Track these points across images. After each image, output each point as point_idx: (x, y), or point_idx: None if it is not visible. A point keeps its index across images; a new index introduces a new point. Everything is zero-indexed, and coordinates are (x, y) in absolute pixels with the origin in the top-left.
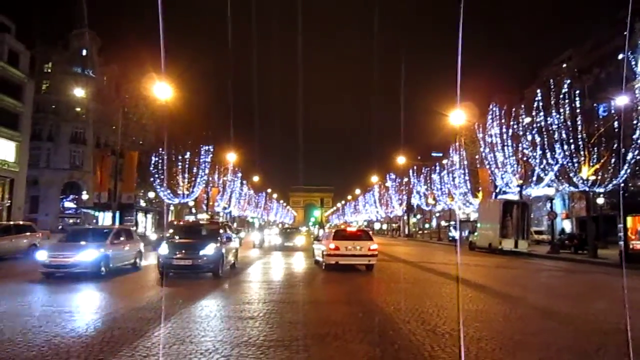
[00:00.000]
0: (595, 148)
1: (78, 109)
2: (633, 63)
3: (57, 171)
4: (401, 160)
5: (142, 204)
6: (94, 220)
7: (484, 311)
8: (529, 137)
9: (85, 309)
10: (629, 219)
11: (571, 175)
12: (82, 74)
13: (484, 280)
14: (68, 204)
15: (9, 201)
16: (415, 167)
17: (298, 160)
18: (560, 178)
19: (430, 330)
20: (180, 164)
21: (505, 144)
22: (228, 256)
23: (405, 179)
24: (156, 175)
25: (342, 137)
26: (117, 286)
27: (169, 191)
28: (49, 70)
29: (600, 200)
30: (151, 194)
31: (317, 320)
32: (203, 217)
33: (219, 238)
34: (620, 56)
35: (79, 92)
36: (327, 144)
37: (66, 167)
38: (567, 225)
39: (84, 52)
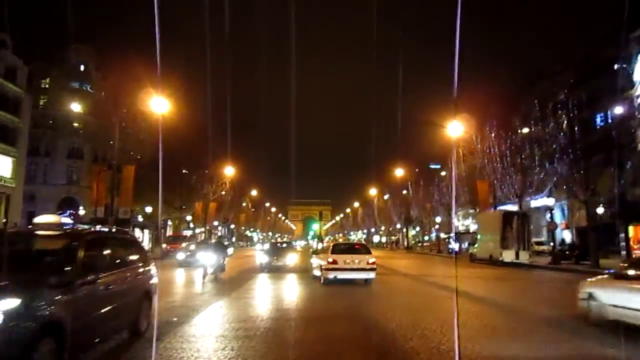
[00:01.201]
0: (594, 157)
1: (75, 124)
2: (629, 73)
3: (54, 186)
4: (399, 172)
5: (140, 218)
6: None
7: (488, 326)
8: (527, 148)
9: None
10: (631, 228)
11: (570, 184)
12: (79, 89)
13: (487, 294)
14: (64, 220)
15: (5, 218)
16: (413, 180)
17: (296, 173)
18: (561, 188)
19: (434, 347)
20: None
21: (504, 154)
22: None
23: (404, 191)
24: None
25: (340, 150)
26: None
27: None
28: (47, 86)
29: (600, 210)
30: (148, 209)
31: (316, 338)
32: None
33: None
34: (616, 66)
35: (76, 107)
36: (326, 157)
37: (63, 182)
38: (567, 236)
39: (82, 67)
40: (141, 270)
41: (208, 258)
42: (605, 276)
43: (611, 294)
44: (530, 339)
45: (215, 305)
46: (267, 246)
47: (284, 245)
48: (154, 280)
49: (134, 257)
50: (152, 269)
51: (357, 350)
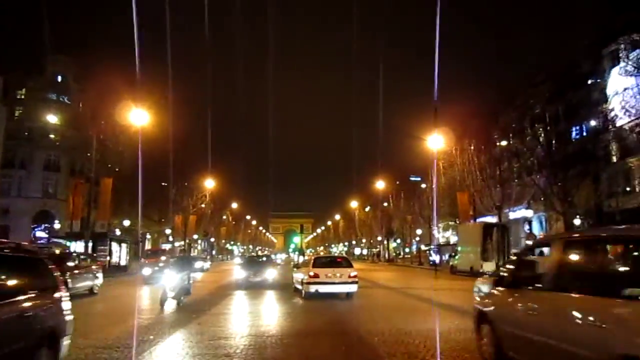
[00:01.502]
0: (571, 170)
1: (52, 136)
2: (603, 87)
3: (29, 200)
4: (380, 185)
5: (118, 232)
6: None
7: (473, 340)
8: (506, 160)
9: None
10: None
11: (548, 196)
12: (57, 101)
13: (469, 306)
14: (40, 234)
15: None
16: (394, 192)
17: (278, 186)
18: (539, 199)
19: None
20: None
21: (483, 167)
22: None
23: (385, 204)
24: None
25: (321, 162)
26: None
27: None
28: (23, 97)
29: (578, 221)
30: (126, 222)
31: (298, 356)
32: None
33: None
34: (590, 81)
35: (53, 119)
36: (307, 170)
37: (39, 196)
38: (546, 247)
39: (59, 78)
40: (39, 302)
41: (169, 278)
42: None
43: None
44: None
45: (166, 345)
46: (242, 260)
47: (263, 259)
48: (66, 316)
49: (29, 283)
50: (63, 299)
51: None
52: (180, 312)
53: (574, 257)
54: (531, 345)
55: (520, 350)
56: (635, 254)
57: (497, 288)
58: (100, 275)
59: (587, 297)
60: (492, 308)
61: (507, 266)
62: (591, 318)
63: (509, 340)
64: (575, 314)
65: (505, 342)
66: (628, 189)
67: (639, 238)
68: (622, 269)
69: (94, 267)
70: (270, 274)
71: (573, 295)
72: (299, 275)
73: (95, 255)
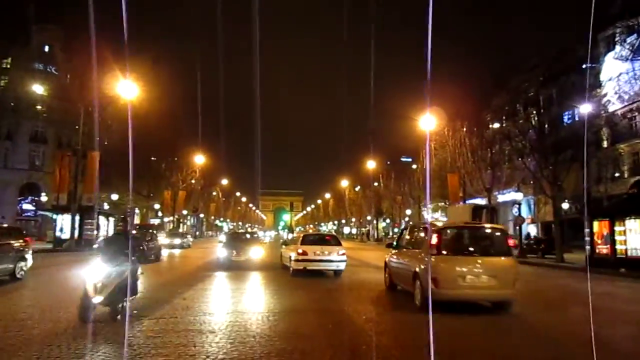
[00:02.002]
0: (562, 154)
1: (39, 107)
2: (597, 72)
3: (16, 171)
4: (371, 164)
5: (106, 206)
6: (53, 224)
7: (462, 320)
8: (498, 143)
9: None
10: (596, 224)
11: (539, 180)
12: (43, 71)
13: None
14: (26, 206)
15: None
16: (384, 172)
17: (268, 164)
18: (528, 183)
19: (406, 345)
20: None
21: (475, 149)
22: None
23: (375, 184)
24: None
25: (312, 140)
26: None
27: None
28: (8, 66)
29: (566, 205)
30: (114, 196)
31: (284, 334)
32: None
33: None
34: (584, 65)
35: (40, 89)
36: (298, 148)
37: (25, 168)
38: (533, 230)
39: (47, 48)
40: None
41: (94, 272)
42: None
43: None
44: (503, 336)
45: None
46: (224, 237)
47: (247, 236)
48: None
49: None
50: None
51: (327, 347)
52: (111, 327)
53: (411, 234)
54: (397, 274)
55: (395, 277)
56: (422, 235)
57: (390, 250)
58: (29, 256)
59: (411, 250)
60: (387, 259)
61: (396, 238)
62: (410, 258)
63: (392, 273)
64: (408, 257)
65: (392, 275)
66: (617, 174)
67: (423, 226)
68: (419, 239)
69: (16, 244)
70: (256, 253)
71: (408, 250)
72: (287, 253)
73: (22, 230)
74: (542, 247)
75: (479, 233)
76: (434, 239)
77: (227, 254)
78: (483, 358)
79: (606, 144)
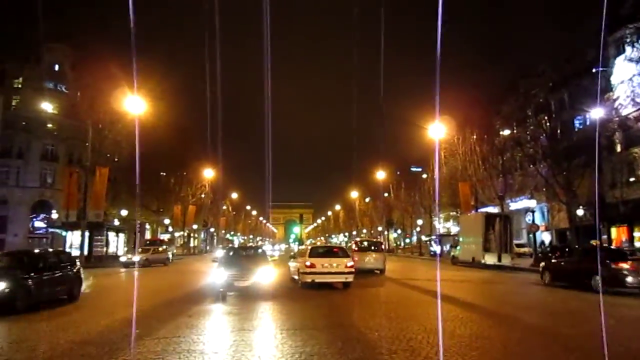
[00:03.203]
0: (575, 159)
1: (50, 125)
2: (608, 75)
3: (27, 189)
4: (381, 175)
5: (116, 222)
6: (63, 241)
7: (479, 336)
8: (509, 150)
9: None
10: (613, 230)
11: (552, 186)
12: (54, 89)
13: (473, 298)
14: (38, 224)
15: None
16: (394, 182)
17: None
18: (541, 190)
19: None
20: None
21: (485, 156)
22: None
23: (386, 194)
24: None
25: (322, 152)
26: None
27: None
28: (20, 86)
29: (580, 212)
30: (124, 212)
31: (291, 354)
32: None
33: None
34: (594, 69)
35: (50, 108)
36: (308, 160)
37: (36, 185)
38: (547, 237)
39: (57, 67)
40: None
41: None
42: None
43: None
44: (526, 350)
45: None
46: (221, 254)
47: (250, 252)
48: None
49: None
50: None
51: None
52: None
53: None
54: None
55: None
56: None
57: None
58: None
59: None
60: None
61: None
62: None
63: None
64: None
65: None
66: (632, 179)
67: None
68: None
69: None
70: (264, 276)
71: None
72: (295, 265)
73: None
74: (557, 254)
75: (370, 242)
76: (354, 246)
77: (228, 277)
78: None
79: (620, 148)
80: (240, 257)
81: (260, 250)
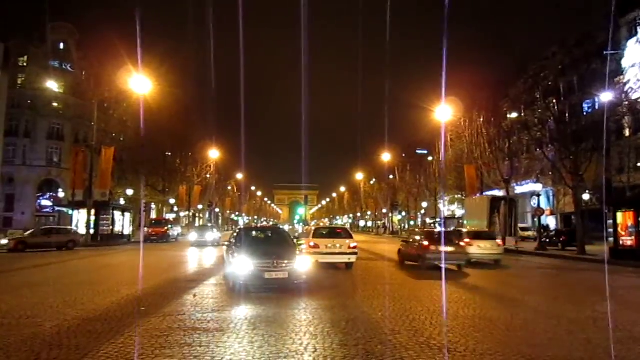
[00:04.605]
0: (583, 143)
1: (56, 104)
2: (619, 58)
3: (34, 168)
4: (386, 157)
5: (122, 202)
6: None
7: (482, 318)
8: (516, 133)
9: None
10: (619, 215)
11: (559, 170)
12: (59, 68)
13: (476, 281)
14: (45, 202)
15: None
16: (399, 164)
17: (284, 157)
18: (547, 174)
19: (424, 343)
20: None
21: (492, 139)
22: None
23: (391, 176)
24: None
25: (328, 134)
26: None
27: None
28: (25, 64)
29: (586, 196)
30: (130, 191)
31: (294, 332)
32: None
33: None
34: (605, 52)
35: (56, 87)
36: (314, 142)
37: (43, 164)
38: (552, 222)
39: (62, 46)
40: None
41: None
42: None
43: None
44: (530, 332)
45: None
46: (237, 235)
47: (269, 233)
48: None
49: None
50: None
51: (340, 346)
52: None
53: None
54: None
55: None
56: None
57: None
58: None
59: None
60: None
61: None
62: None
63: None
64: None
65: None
66: (639, 164)
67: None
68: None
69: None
70: (301, 263)
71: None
72: (299, 246)
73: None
74: (563, 239)
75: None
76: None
77: (254, 268)
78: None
79: (628, 132)
80: (261, 241)
81: (283, 232)
